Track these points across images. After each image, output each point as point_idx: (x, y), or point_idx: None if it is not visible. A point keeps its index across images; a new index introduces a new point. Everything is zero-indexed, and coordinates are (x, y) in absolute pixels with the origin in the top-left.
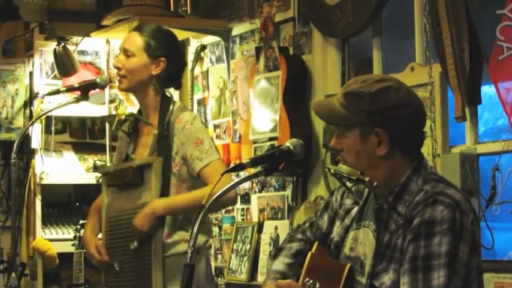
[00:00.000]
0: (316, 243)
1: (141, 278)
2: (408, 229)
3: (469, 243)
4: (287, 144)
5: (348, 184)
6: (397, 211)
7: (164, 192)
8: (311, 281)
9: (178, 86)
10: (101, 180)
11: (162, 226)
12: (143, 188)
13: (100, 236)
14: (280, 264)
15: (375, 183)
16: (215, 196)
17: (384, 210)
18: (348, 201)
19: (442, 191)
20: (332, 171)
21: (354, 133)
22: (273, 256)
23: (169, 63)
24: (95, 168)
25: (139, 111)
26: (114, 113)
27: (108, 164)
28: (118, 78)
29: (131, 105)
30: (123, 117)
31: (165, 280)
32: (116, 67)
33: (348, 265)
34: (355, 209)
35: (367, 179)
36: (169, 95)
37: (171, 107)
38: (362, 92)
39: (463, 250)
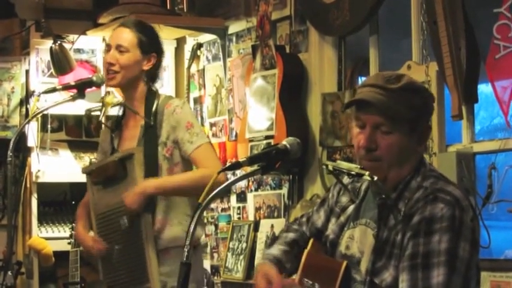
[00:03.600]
0: (311, 241)
1: (136, 270)
2: (408, 226)
3: (470, 240)
4: (284, 142)
5: (346, 180)
6: (397, 207)
7: None
8: (310, 283)
9: (156, 80)
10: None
11: (153, 210)
12: (128, 180)
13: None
14: (275, 250)
15: (376, 178)
16: (212, 194)
17: (386, 206)
18: (344, 199)
19: (442, 187)
20: (330, 167)
21: (403, 128)
22: (269, 244)
23: (159, 59)
24: None
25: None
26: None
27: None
28: (109, 74)
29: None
30: (111, 106)
31: (167, 273)
32: (110, 63)
33: (345, 263)
34: (351, 207)
35: (367, 173)
36: (154, 89)
37: (156, 99)
38: (421, 87)
39: (464, 248)
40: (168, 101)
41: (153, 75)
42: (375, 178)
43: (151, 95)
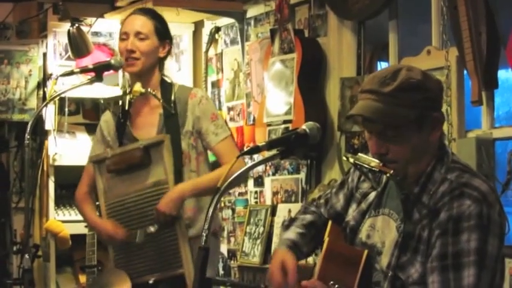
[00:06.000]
0: (329, 224)
1: (167, 256)
2: (435, 223)
3: (498, 235)
4: (303, 127)
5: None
6: (421, 201)
7: (177, 169)
8: (336, 286)
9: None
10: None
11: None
12: (152, 167)
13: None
14: (292, 233)
15: (398, 177)
16: (231, 178)
17: (410, 200)
18: (365, 185)
19: (468, 182)
20: (351, 160)
21: (409, 128)
22: (286, 226)
23: (171, 46)
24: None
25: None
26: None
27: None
28: (128, 61)
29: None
30: (139, 94)
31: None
32: (130, 50)
33: (366, 252)
34: (373, 194)
35: (390, 171)
36: (167, 79)
37: (172, 88)
38: (419, 81)
39: (492, 244)
40: (190, 91)
41: (164, 61)
42: (397, 178)
43: (166, 83)
